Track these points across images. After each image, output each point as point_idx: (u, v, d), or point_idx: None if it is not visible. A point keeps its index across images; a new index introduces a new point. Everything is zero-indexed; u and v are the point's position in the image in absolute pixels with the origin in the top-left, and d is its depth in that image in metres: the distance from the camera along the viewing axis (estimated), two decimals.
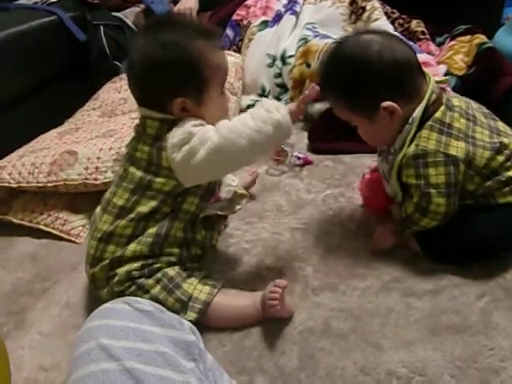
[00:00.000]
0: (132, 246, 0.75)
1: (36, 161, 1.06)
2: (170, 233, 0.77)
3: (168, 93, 0.74)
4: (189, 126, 0.73)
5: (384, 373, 0.67)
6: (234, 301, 0.77)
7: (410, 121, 0.77)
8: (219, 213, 0.86)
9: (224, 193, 0.89)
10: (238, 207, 0.91)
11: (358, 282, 0.82)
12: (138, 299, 0.55)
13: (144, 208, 0.75)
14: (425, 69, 0.82)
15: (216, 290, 0.76)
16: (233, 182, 0.91)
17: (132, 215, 0.76)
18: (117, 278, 0.75)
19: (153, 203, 0.75)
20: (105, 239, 0.77)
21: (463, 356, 0.68)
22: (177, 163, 0.73)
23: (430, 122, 0.77)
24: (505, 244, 0.81)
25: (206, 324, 0.73)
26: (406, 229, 0.84)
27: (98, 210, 0.83)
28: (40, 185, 1.03)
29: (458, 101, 0.81)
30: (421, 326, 0.73)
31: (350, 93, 0.78)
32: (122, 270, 0.75)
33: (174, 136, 0.73)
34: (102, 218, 0.78)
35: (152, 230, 0.76)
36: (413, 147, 0.77)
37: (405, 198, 0.83)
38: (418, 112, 0.76)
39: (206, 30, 0.77)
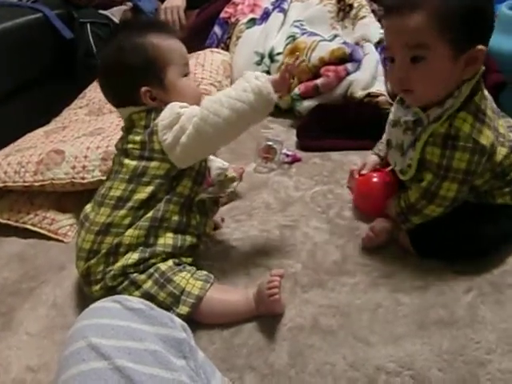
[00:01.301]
0: (129, 232, 0.76)
1: (22, 160, 1.05)
2: (165, 216, 0.78)
3: (132, 87, 0.79)
4: (176, 107, 0.78)
5: (373, 368, 0.67)
6: (226, 296, 0.77)
7: (456, 94, 0.72)
8: (213, 195, 0.88)
9: (215, 175, 0.92)
10: (229, 190, 0.94)
11: (347, 278, 0.82)
12: (128, 297, 0.55)
13: (142, 195, 0.77)
14: None
15: (209, 285, 0.76)
16: (223, 165, 0.94)
17: (130, 204, 0.77)
18: (112, 273, 0.75)
19: (149, 188, 0.78)
20: (103, 231, 0.77)
21: (450, 349, 0.68)
22: (168, 144, 0.76)
23: (469, 104, 0.72)
24: (497, 244, 0.82)
25: (197, 320, 0.73)
26: (405, 223, 0.83)
27: (89, 207, 0.83)
28: (26, 184, 1.02)
29: (485, 91, 0.77)
30: (409, 320, 0.74)
31: (455, 20, 0.66)
32: (117, 266, 0.75)
33: (164, 118, 0.77)
34: (97, 211, 0.79)
35: (148, 215, 0.77)
36: (446, 125, 0.73)
37: (407, 187, 0.82)
38: (467, 87, 0.71)
39: (156, 25, 0.87)
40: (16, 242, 1.02)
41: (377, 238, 0.86)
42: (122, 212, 0.77)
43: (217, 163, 0.95)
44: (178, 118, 0.76)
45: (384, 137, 0.92)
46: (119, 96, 0.82)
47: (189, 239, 0.81)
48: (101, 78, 0.84)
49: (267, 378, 0.68)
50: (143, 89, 0.79)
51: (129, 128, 0.82)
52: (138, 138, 0.79)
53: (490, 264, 0.81)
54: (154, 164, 0.78)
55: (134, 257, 0.76)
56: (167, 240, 0.78)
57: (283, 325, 0.75)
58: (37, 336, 0.79)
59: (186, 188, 0.80)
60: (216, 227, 0.94)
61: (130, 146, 0.80)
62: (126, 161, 0.80)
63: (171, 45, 0.82)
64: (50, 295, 0.87)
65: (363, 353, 0.69)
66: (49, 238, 1.01)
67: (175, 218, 0.79)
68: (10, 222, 1.04)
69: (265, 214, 1.00)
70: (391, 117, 0.86)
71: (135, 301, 0.52)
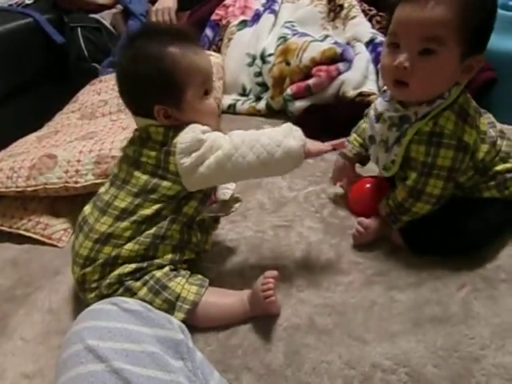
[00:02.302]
0: (129, 246, 0.75)
1: (14, 165, 1.04)
2: (167, 234, 0.77)
3: (147, 102, 0.75)
4: (198, 131, 0.74)
5: (369, 366, 0.68)
6: (221, 299, 0.77)
7: (446, 95, 0.74)
8: (214, 215, 0.86)
9: (221, 195, 0.89)
10: (232, 210, 0.91)
11: (342, 277, 0.83)
12: (126, 299, 0.55)
13: (147, 211, 0.75)
14: None
15: (204, 290, 0.76)
16: (230, 185, 0.91)
17: (134, 217, 0.75)
18: (107, 281, 0.74)
19: (156, 206, 0.75)
20: (102, 240, 0.76)
21: (445, 346, 0.69)
22: (185, 168, 0.73)
23: (454, 104, 0.75)
24: (488, 237, 0.83)
25: (192, 324, 0.73)
26: (396, 222, 0.83)
27: (88, 209, 0.81)
28: (19, 189, 1.02)
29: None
30: (404, 318, 0.74)
31: (475, 23, 0.68)
32: (114, 274, 0.74)
33: (183, 141, 0.73)
34: (99, 219, 0.77)
35: (150, 231, 0.76)
36: (430, 124, 0.75)
37: (394, 187, 0.83)
38: (456, 90, 0.74)
39: (181, 34, 0.76)
40: (10, 248, 1.01)
41: (366, 234, 0.87)
42: (125, 224, 0.75)
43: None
44: (199, 144, 0.73)
45: (359, 131, 0.95)
46: (134, 107, 0.79)
47: (187, 254, 0.81)
48: (117, 84, 0.79)
49: (263, 378, 0.68)
50: (157, 107, 0.75)
51: (144, 139, 0.77)
52: (153, 154, 0.75)
53: (482, 259, 0.82)
54: (165, 184, 0.75)
55: (131, 266, 0.75)
56: (166, 255, 0.78)
57: (279, 325, 0.75)
58: (32, 342, 0.79)
59: (191, 208, 0.78)
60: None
61: (144, 159, 0.76)
62: (137, 173, 0.76)
63: (193, 62, 0.75)
64: (45, 301, 0.86)
65: (359, 351, 0.70)
66: (43, 243, 1.01)
67: (177, 235, 0.78)
68: (3, 228, 1.03)
69: (259, 215, 1.00)
70: (372, 112, 0.86)
71: (132, 302, 0.52)
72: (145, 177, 0.76)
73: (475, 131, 0.76)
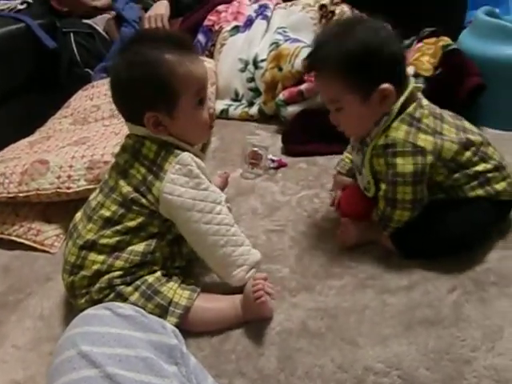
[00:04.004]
0: (118, 264, 0.75)
1: (6, 171, 1.04)
2: (156, 250, 0.77)
3: (139, 108, 0.74)
4: (195, 169, 0.75)
5: (361, 369, 0.68)
6: (213, 304, 0.77)
7: (387, 114, 0.79)
8: None
9: None
10: None
11: (334, 281, 0.83)
12: (120, 304, 0.55)
13: (132, 223, 0.75)
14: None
15: (196, 295, 0.76)
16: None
17: (118, 227, 0.75)
18: (97, 286, 0.74)
19: (140, 219, 0.75)
20: (87, 247, 0.76)
21: (437, 348, 0.69)
22: (164, 197, 0.74)
23: (401, 116, 0.79)
24: (476, 237, 0.84)
25: (185, 329, 0.73)
26: (386, 229, 0.85)
27: (79, 215, 0.81)
28: (11, 195, 1.01)
29: (426, 101, 0.84)
30: (396, 321, 0.74)
31: (353, 70, 0.76)
32: (104, 278, 0.74)
33: (177, 175, 0.74)
34: (86, 226, 0.77)
35: (139, 249, 0.76)
36: (383, 137, 0.79)
37: (377, 187, 0.85)
38: (398, 104, 0.79)
39: (179, 42, 0.76)
40: (1, 254, 1.00)
41: (349, 236, 0.88)
42: (108, 233, 0.75)
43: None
44: (193, 188, 0.74)
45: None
46: (127, 112, 0.78)
47: (178, 262, 0.82)
48: (111, 88, 0.78)
49: (257, 382, 0.68)
50: (148, 114, 0.74)
51: (137, 151, 0.77)
52: (142, 170, 0.75)
53: (473, 262, 0.83)
54: (144, 201, 0.75)
55: (119, 270, 0.75)
56: (157, 264, 0.78)
57: (271, 329, 0.75)
58: (23, 349, 0.78)
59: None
60: None
61: (133, 172, 0.76)
62: (122, 182, 0.76)
63: (189, 70, 0.74)
64: (36, 307, 0.86)
65: (351, 354, 0.70)
66: (35, 250, 1.00)
67: (166, 249, 0.79)
68: None
69: (252, 220, 1.00)
70: (351, 143, 0.92)
71: (126, 307, 0.52)
72: (128, 188, 0.76)
73: (431, 136, 0.79)
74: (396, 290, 0.80)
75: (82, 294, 0.76)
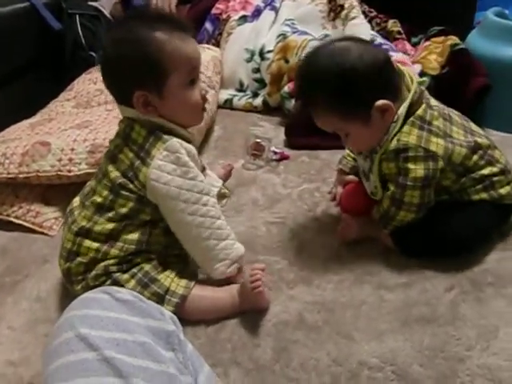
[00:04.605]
0: (113, 252, 0.74)
1: (7, 151, 1.03)
2: (151, 239, 0.76)
3: (128, 87, 0.72)
4: (184, 157, 0.73)
5: (356, 363, 0.68)
6: (211, 293, 0.77)
7: (395, 118, 0.77)
8: None
9: None
10: (221, 206, 0.89)
11: (332, 275, 0.83)
12: (118, 288, 0.54)
13: (123, 210, 0.74)
14: (406, 68, 0.84)
15: (193, 284, 0.76)
16: (216, 182, 0.89)
17: (110, 214, 0.75)
18: (93, 273, 0.74)
19: (130, 204, 0.74)
20: (82, 234, 0.75)
21: (432, 346, 0.70)
22: (150, 184, 0.72)
23: (411, 119, 0.78)
24: (477, 240, 0.84)
25: (181, 317, 0.73)
26: (386, 227, 0.85)
27: (77, 201, 0.81)
28: (11, 176, 1.01)
29: (434, 101, 0.83)
30: (392, 317, 0.75)
31: (343, 102, 0.76)
32: (100, 265, 0.74)
33: (164, 161, 0.72)
34: (80, 212, 0.77)
35: (133, 237, 0.75)
36: (394, 142, 0.78)
37: (383, 195, 0.85)
38: (402, 109, 0.78)
39: (171, 21, 0.74)
40: None
41: (349, 231, 0.88)
42: (102, 220, 0.75)
43: (210, 180, 0.88)
44: (178, 170, 0.72)
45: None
46: (116, 91, 0.76)
47: (175, 251, 0.81)
48: (101, 67, 0.76)
49: (252, 373, 0.68)
50: (137, 93, 0.72)
51: (127, 135, 0.75)
52: (130, 155, 0.74)
53: (471, 262, 0.83)
54: (132, 186, 0.74)
55: (115, 258, 0.74)
56: (152, 251, 0.77)
57: (268, 320, 0.75)
58: (19, 330, 0.78)
59: None
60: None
61: (122, 156, 0.75)
62: (111, 167, 0.75)
63: (179, 48, 0.72)
64: (33, 289, 0.86)
65: (347, 348, 0.70)
66: (33, 231, 1.00)
67: (161, 238, 0.78)
68: None
69: (252, 211, 1.00)
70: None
71: (125, 292, 0.52)
72: (117, 173, 0.75)
73: (442, 139, 0.79)
74: (394, 287, 0.80)
75: (78, 280, 0.76)
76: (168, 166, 0.72)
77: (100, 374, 0.43)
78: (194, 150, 0.76)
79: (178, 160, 0.73)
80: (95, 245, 0.74)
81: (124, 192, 0.74)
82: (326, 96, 0.77)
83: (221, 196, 0.91)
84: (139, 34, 0.71)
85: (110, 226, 0.74)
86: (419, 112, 0.78)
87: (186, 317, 0.74)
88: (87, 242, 0.75)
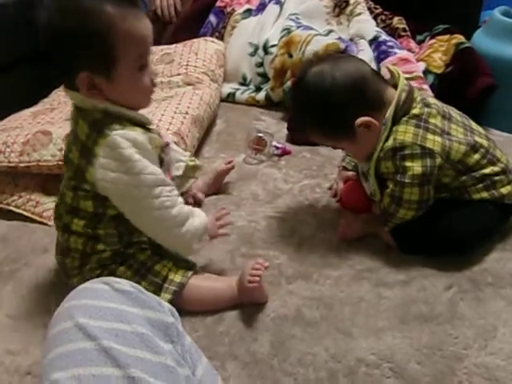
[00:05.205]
0: (100, 247, 0.73)
1: (8, 140, 1.03)
2: (132, 229, 0.74)
3: (71, 67, 0.65)
4: (127, 151, 0.67)
5: (354, 359, 0.68)
6: (209, 283, 0.77)
7: (384, 121, 0.79)
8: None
9: (174, 171, 0.84)
10: (191, 181, 0.86)
11: (331, 271, 0.83)
12: (118, 279, 0.54)
13: (89, 208, 0.72)
14: (393, 67, 0.85)
15: (191, 272, 0.76)
16: (183, 156, 0.86)
17: (81, 213, 0.73)
18: (88, 266, 0.74)
19: (92, 202, 0.71)
20: (67, 230, 0.74)
21: (429, 344, 0.70)
22: (99, 184, 0.69)
23: (405, 118, 0.79)
24: (477, 239, 0.84)
25: (179, 307, 0.72)
26: (387, 224, 0.85)
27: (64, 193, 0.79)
28: (11, 164, 1.00)
29: (433, 99, 0.84)
30: (390, 314, 0.75)
31: (324, 125, 0.82)
32: (94, 259, 0.74)
33: (107, 159, 0.68)
34: (63, 207, 0.75)
35: (112, 231, 0.73)
36: (390, 141, 0.79)
37: (383, 194, 0.85)
38: (389, 113, 0.79)
39: None
40: None
41: (351, 230, 0.88)
42: (76, 220, 0.73)
43: (176, 155, 0.83)
44: (122, 165, 0.68)
45: None
46: (59, 71, 0.69)
47: None
48: (40, 42, 0.67)
49: (249, 366, 0.68)
50: (82, 74, 0.64)
51: (73, 132, 0.71)
52: (76, 155, 0.70)
53: (471, 262, 0.83)
54: (86, 185, 0.70)
55: (105, 252, 0.74)
56: (144, 245, 0.76)
57: (266, 315, 0.75)
58: (17, 319, 0.78)
59: None
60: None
61: (71, 155, 0.72)
62: (65, 168, 0.73)
63: (134, 28, 0.65)
64: (32, 278, 0.86)
65: (345, 345, 0.70)
66: (33, 221, 1.00)
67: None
68: None
69: (253, 205, 1.00)
70: None
71: (124, 283, 0.52)
72: (70, 173, 0.72)
73: (439, 136, 0.79)
74: (393, 284, 0.80)
75: (74, 274, 0.76)
76: (111, 164, 0.67)
77: (98, 364, 0.43)
78: (141, 136, 0.69)
79: (120, 155, 0.67)
80: (80, 241, 0.74)
81: (81, 192, 0.72)
82: (309, 123, 0.84)
83: (192, 168, 0.88)
84: (86, 4, 0.63)
85: (84, 223, 0.73)
86: (415, 111, 0.79)
87: (184, 307, 0.74)
88: (73, 238, 0.74)
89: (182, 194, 0.84)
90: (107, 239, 0.73)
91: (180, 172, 0.85)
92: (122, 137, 0.67)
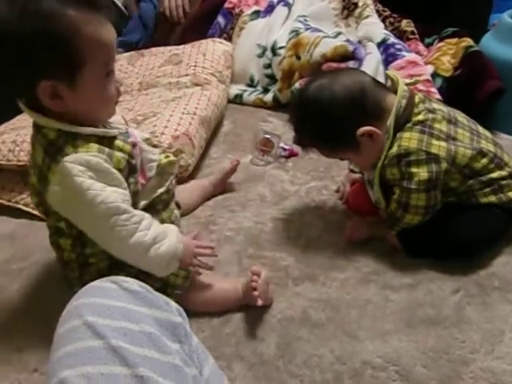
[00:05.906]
0: (92, 260, 0.73)
1: (17, 139, 1.04)
2: None
3: (31, 75, 0.60)
4: (77, 179, 0.63)
5: (359, 362, 0.68)
6: (215, 283, 0.77)
7: (386, 130, 0.79)
8: (158, 192, 0.77)
9: (147, 171, 0.77)
10: (171, 178, 0.80)
11: (338, 273, 0.83)
12: (126, 278, 0.54)
13: (62, 226, 0.71)
14: (393, 73, 0.86)
15: (191, 274, 0.75)
16: (153, 155, 0.77)
17: (61, 231, 0.72)
18: (88, 277, 0.72)
19: (60, 223, 0.70)
20: (59, 249, 0.75)
21: (436, 347, 0.70)
22: (58, 209, 0.68)
23: (409, 125, 0.79)
24: (484, 244, 0.84)
25: (185, 307, 0.73)
26: (393, 227, 0.85)
27: None
28: (21, 163, 1.01)
29: (438, 104, 0.84)
30: (397, 317, 0.75)
31: (326, 139, 0.83)
32: (92, 270, 0.73)
33: (58, 186, 0.65)
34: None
35: (98, 249, 0.71)
36: (395, 148, 0.79)
37: (388, 201, 0.85)
38: (390, 121, 0.79)
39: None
40: (7, 222, 1.01)
41: (358, 232, 0.88)
42: (55, 237, 0.73)
43: (148, 155, 0.76)
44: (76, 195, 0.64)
45: None
46: (14, 83, 0.64)
47: None
48: None
49: (255, 367, 0.69)
50: (45, 83, 0.60)
51: (31, 155, 0.69)
52: (34, 180, 0.69)
53: (478, 266, 0.83)
54: (48, 207, 0.69)
55: (99, 263, 0.73)
56: None
57: (273, 316, 0.76)
58: (24, 316, 0.79)
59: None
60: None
61: (32, 179, 0.71)
62: (32, 179, 0.71)
63: (99, 33, 0.61)
64: (39, 276, 0.86)
65: (351, 347, 0.70)
66: (41, 219, 1.00)
67: None
68: (1, 201, 1.03)
69: (259, 207, 1.00)
70: None
71: (132, 282, 0.52)
72: (34, 198, 0.72)
73: (444, 141, 0.79)
74: (399, 287, 0.80)
75: (76, 283, 0.75)
76: (63, 192, 0.65)
77: (107, 363, 0.43)
78: (96, 157, 0.64)
79: (71, 184, 0.63)
80: (73, 256, 0.74)
81: (54, 215, 0.71)
82: (312, 139, 0.86)
83: (168, 165, 0.80)
84: (46, 6, 0.58)
85: (71, 243, 0.72)
86: (419, 117, 0.80)
87: (190, 307, 0.73)
88: (66, 253, 0.74)
89: (172, 195, 0.81)
90: (98, 256, 0.73)
91: (153, 173, 0.77)
92: (74, 162, 0.63)
